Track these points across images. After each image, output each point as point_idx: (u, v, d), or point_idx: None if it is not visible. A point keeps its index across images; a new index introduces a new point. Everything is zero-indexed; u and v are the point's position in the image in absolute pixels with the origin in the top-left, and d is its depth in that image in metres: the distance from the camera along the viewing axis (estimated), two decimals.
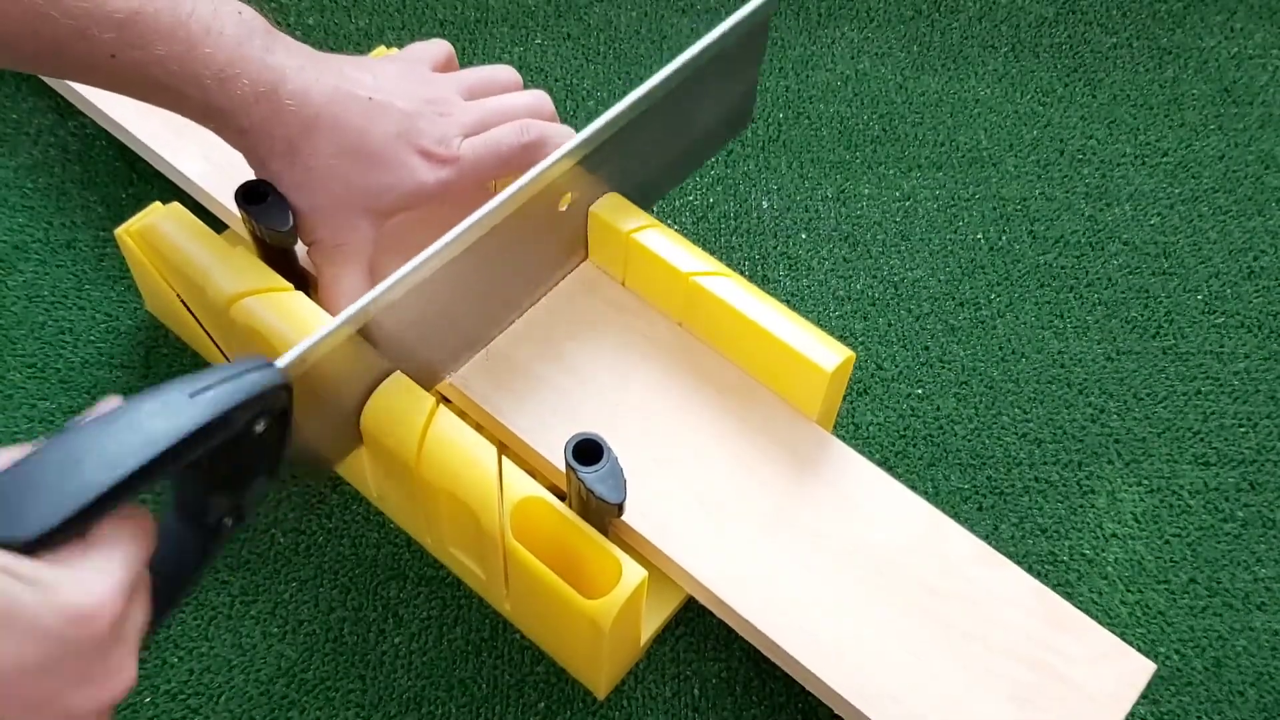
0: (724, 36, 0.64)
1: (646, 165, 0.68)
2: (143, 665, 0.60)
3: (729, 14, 0.64)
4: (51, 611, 0.38)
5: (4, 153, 0.78)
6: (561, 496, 0.57)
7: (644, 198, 0.68)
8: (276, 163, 0.59)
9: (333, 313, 0.60)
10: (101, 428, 0.40)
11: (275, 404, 0.46)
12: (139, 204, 0.66)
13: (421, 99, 0.61)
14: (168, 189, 0.74)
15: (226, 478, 0.46)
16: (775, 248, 0.78)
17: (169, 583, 0.45)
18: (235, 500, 0.47)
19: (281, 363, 0.49)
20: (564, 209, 0.63)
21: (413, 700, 0.60)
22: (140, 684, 0.60)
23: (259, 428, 0.46)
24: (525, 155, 0.63)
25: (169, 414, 0.41)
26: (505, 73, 0.67)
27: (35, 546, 0.38)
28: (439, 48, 0.66)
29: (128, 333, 0.71)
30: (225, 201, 0.69)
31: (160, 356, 0.70)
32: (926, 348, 0.74)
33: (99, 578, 0.39)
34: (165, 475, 0.42)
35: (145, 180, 0.77)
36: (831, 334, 0.62)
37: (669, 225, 0.74)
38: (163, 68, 0.55)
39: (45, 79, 0.80)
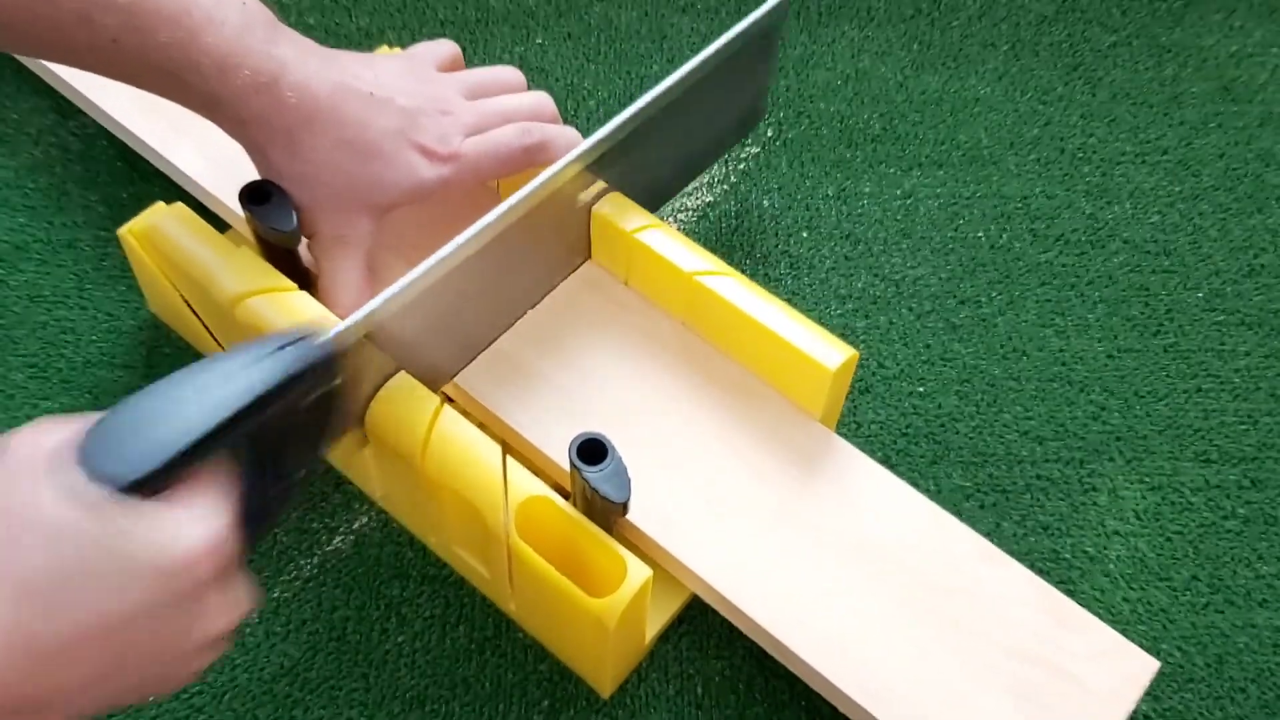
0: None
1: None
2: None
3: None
4: (168, 554, 0.39)
5: (5, 152, 0.78)
6: (565, 495, 0.57)
7: (651, 201, 0.68)
8: (276, 155, 0.59)
9: (331, 306, 0.61)
10: (195, 377, 0.42)
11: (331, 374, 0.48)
12: (140, 204, 0.66)
13: (423, 96, 0.62)
14: (169, 188, 0.74)
15: (294, 436, 0.48)
16: (776, 246, 0.78)
17: (253, 520, 0.46)
18: (301, 457, 0.49)
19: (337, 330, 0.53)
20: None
21: (416, 699, 0.60)
22: None
23: (315, 395, 0.47)
24: (526, 157, 0.63)
25: (258, 367, 0.44)
26: (509, 74, 0.67)
27: (138, 487, 0.40)
28: (445, 47, 0.66)
29: (130, 332, 0.71)
30: (227, 201, 0.69)
31: (162, 356, 0.70)
32: (928, 346, 0.74)
33: (208, 519, 0.41)
34: (250, 426, 0.43)
35: (146, 180, 0.77)
36: (833, 332, 0.62)
37: (670, 225, 0.75)
38: (164, 55, 0.55)
39: (45, 79, 0.80)
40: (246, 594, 0.44)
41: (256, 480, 0.45)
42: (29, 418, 0.67)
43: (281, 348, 0.45)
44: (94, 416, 0.41)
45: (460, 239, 0.58)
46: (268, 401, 0.43)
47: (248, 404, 0.43)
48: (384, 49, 0.76)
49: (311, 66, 0.58)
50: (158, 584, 0.39)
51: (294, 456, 0.48)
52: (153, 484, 0.40)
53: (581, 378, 0.64)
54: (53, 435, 0.40)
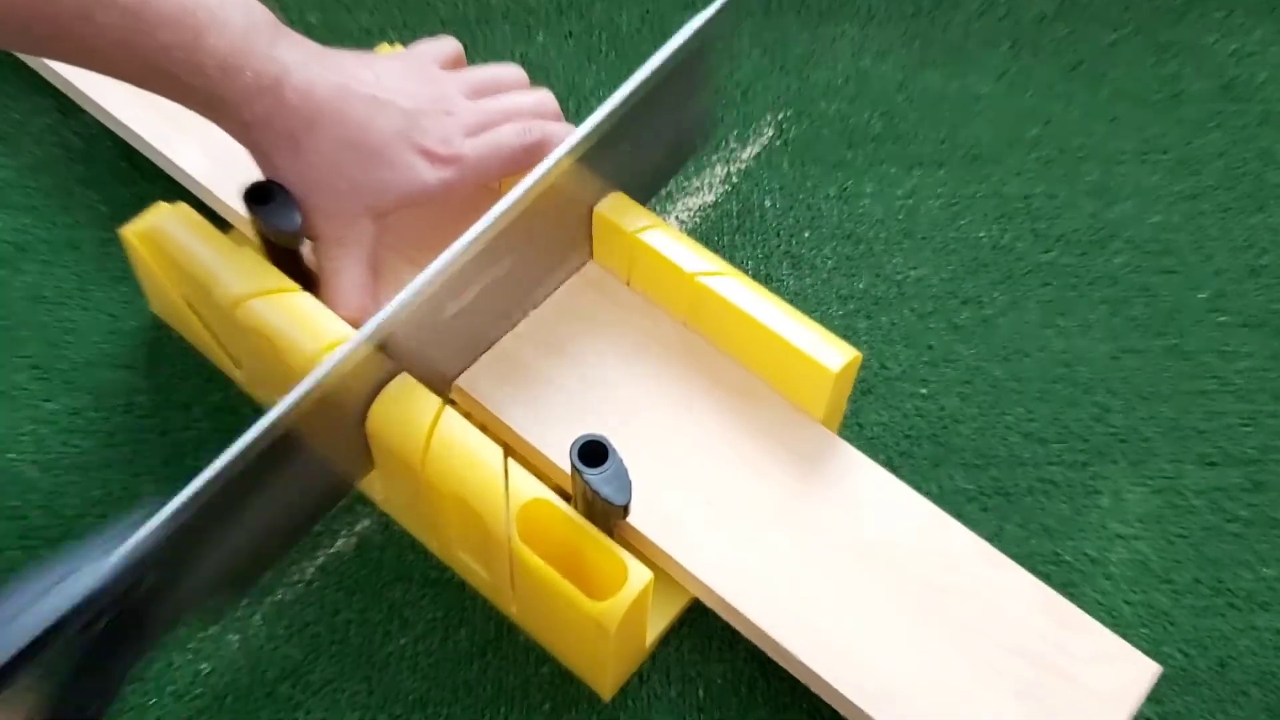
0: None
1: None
2: (147, 666, 0.61)
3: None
4: None
5: (7, 152, 0.78)
6: (566, 498, 0.57)
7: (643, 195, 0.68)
8: (279, 157, 0.59)
9: (333, 309, 0.61)
10: None
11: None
12: (142, 203, 0.66)
13: (425, 97, 0.61)
14: (171, 188, 0.74)
15: (105, 646, 0.47)
16: (778, 247, 0.78)
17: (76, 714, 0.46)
18: (124, 659, 0.49)
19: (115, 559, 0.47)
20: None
21: (418, 702, 0.60)
22: (146, 685, 0.60)
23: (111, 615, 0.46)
24: (528, 156, 0.63)
25: (37, 607, 0.44)
26: (511, 72, 0.67)
27: None
28: (447, 45, 0.66)
29: (131, 333, 0.71)
30: (230, 201, 0.69)
31: (164, 356, 0.70)
32: (930, 346, 0.74)
33: None
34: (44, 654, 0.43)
35: (149, 179, 0.77)
36: (834, 333, 0.62)
37: (672, 225, 0.75)
38: (167, 56, 0.55)
39: (48, 77, 0.80)
40: None
41: (71, 682, 0.45)
42: (31, 419, 0.67)
43: (68, 576, 0.44)
44: None
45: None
46: (53, 635, 0.43)
47: (29, 644, 0.42)
48: (384, 47, 0.76)
49: (314, 68, 0.58)
50: None
51: (115, 660, 0.48)
52: None
53: (583, 379, 0.64)
54: None
